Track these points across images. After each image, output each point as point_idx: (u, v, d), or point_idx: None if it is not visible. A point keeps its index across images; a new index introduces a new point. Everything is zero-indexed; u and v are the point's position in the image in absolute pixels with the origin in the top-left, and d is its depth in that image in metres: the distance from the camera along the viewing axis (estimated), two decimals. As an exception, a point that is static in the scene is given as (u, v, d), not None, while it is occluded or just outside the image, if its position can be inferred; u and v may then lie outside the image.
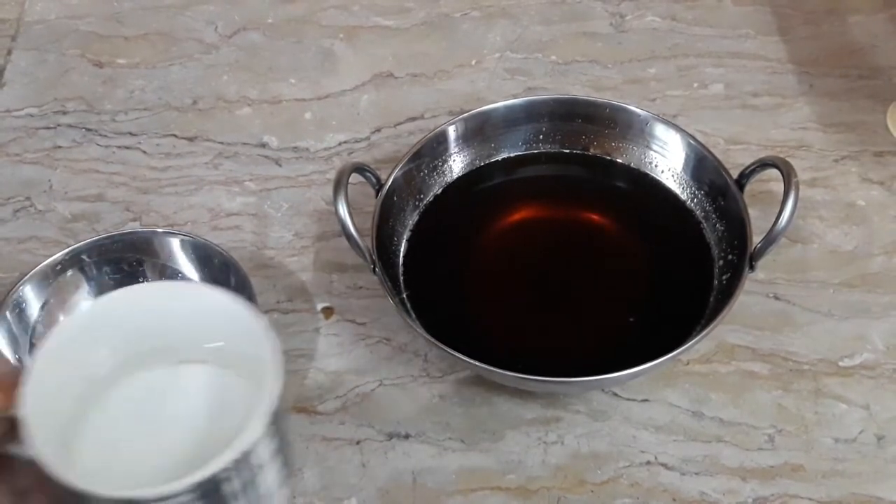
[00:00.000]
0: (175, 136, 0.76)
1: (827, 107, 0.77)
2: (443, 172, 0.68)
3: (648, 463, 0.58)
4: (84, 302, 0.38)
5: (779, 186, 0.59)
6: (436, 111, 0.77)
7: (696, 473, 0.57)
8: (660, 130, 0.67)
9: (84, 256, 0.62)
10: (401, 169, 0.64)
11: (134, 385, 0.42)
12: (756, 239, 0.60)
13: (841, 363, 0.62)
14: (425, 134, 0.67)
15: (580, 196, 0.69)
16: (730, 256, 0.62)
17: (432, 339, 0.56)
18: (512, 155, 0.70)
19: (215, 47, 0.83)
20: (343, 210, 0.58)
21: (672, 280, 0.63)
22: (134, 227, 0.70)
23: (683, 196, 0.67)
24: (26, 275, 0.61)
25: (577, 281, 0.64)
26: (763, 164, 0.62)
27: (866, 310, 0.64)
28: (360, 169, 0.62)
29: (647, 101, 0.77)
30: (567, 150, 0.70)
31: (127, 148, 0.75)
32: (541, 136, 0.70)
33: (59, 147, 0.75)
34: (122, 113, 0.78)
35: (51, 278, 0.62)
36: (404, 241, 0.65)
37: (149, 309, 0.41)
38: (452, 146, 0.68)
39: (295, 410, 0.60)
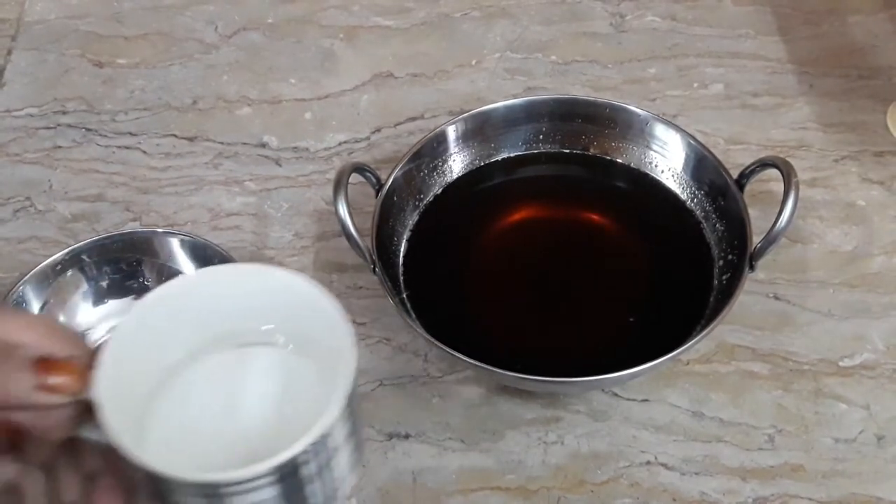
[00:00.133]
0: (175, 136, 0.76)
1: (827, 107, 0.77)
2: (443, 172, 0.68)
3: (648, 463, 0.58)
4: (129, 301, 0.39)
5: (779, 186, 0.59)
6: (436, 111, 0.77)
7: (696, 473, 0.57)
8: (660, 130, 0.67)
9: (84, 256, 0.62)
10: (401, 169, 0.64)
11: (204, 368, 0.42)
12: (756, 239, 0.60)
13: (841, 363, 0.62)
14: (425, 134, 0.67)
15: (580, 196, 0.69)
16: (730, 256, 0.62)
17: (432, 339, 0.56)
18: (512, 155, 0.70)
19: (215, 47, 0.83)
20: (343, 210, 0.58)
21: (672, 280, 0.63)
22: (134, 227, 0.70)
23: (683, 196, 0.67)
24: (26, 275, 0.61)
25: (577, 281, 0.64)
26: (763, 164, 0.62)
27: (866, 310, 0.64)
28: (360, 169, 0.62)
29: (647, 101, 0.77)
30: (567, 150, 0.70)
31: (127, 148, 0.75)
32: (541, 136, 0.70)
33: (59, 147, 0.75)
34: (122, 113, 0.78)
35: (51, 278, 0.62)
36: (404, 241, 0.65)
37: (218, 291, 0.41)
38: (452, 146, 0.68)
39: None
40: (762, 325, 0.64)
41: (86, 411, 0.37)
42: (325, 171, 0.73)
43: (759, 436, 0.59)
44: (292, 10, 0.86)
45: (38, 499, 0.40)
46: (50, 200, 0.72)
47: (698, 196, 0.66)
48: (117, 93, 0.79)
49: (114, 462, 0.39)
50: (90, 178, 0.73)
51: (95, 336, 0.62)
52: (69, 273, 0.62)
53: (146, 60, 0.82)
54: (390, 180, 0.63)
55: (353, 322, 0.64)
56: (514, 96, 0.71)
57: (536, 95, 0.73)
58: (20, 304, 0.60)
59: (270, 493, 0.36)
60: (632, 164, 0.69)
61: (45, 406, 0.35)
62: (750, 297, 0.64)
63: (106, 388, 0.36)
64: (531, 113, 0.69)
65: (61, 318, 0.61)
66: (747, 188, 0.63)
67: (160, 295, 0.40)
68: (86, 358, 0.37)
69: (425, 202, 0.67)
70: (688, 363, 0.62)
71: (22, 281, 0.61)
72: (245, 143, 0.75)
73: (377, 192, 0.63)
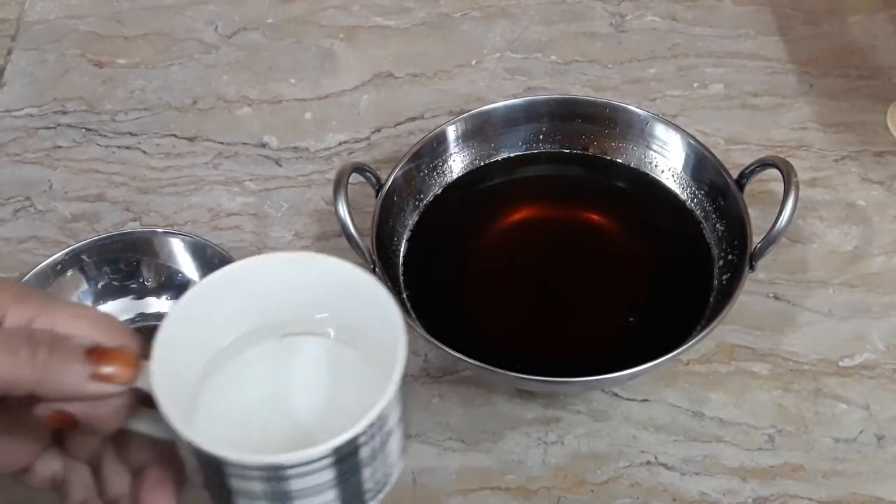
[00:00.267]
0: (175, 136, 0.76)
1: (827, 107, 0.77)
2: (443, 172, 0.68)
3: (648, 463, 0.58)
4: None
5: (779, 186, 0.59)
6: (436, 111, 0.77)
7: (696, 473, 0.57)
8: (660, 130, 0.67)
9: (84, 256, 0.62)
10: (401, 169, 0.64)
11: (252, 356, 0.42)
12: (756, 239, 0.60)
13: (841, 363, 0.62)
14: (425, 134, 0.67)
15: (580, 196, 0.69)
16: (730, 256, 0.62)
17: (432, 339, 0.56)
18: (512, 155, 0.70)
19: (215, 47, 0.83)
20: (343, 210, 0.58)
21: (672, 280, 0.63)
22: (134, 227, 0.70)
23: (683, 196, 0.67)
24: (26, 275, 0.61)
25: (577, 281, 0.64)
26: (763, 164, 0.62)
27: (866, 310, 0.64)
28: (360, 169, 0.62)
29: (647, 101, 0.77)
30: (567, 150, 0.70)
31: (127, 148, 0.75)
32: (541, 136, 0.70)
33: (59, 147, 0.75)
34: (122, 113, 0.78)
35: (51, 278, 0.62)
36: (404, 241, 0.65)
37: (266, 280, 0.41)
38: (452, 146, 0.68)
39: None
40: (762, 325, 0.64)
41: (134, 402, 0.37)
42: (325, 171, 0.73)
43: (759, 436, 0.59)
44: (292, 10, 0.86)
45: (84, 493, 0.40)
46: (50, 200, 0.72)
47: (698, 196, 0.66)
48: (117, 93, 0.79)
49: (162, 453, 0.39)
50: (90, 178, 0.73)
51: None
52: (69, 273, 0.62)
53: (146, 60, 0.82)
54: (390, 180, 0.63)
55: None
56: (514, 96, 0.71)
57: (536, 95, 0.73)
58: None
59: (328, 475, 0.36)
60: (632, 164, 0.69)
61: (98, 396, 0.35)
62: (750, 297, 0.64)
63: (160, 377, 0.36)
64: (531, 113, 0.69)
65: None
66: (747, 188, 0.63)
67: (210, 281, 0.41)
68: (135, 347, 0.37)
69: (425, 202, 0.67)
70: (688, 363, 0.62)
71: (22, 281, 0.60)
72: (245, 143, 0.75)
73: (377, 192, 0.63)
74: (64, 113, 0.78)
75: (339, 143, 0.75)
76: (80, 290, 0.62)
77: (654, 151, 0.68)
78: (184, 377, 0.39)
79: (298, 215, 0.71)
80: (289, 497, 0.36)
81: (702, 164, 0.66)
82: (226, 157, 0.75)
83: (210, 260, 0.62)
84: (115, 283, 0.63)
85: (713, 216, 0.65)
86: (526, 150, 0.70)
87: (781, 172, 0.60)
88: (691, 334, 0.57)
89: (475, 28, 0.84)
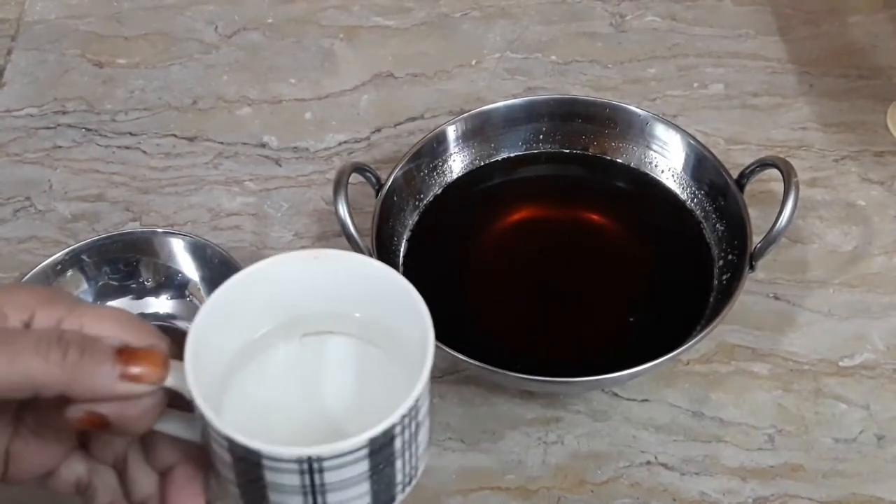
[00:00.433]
0: (175, 136, 0.76)
1: (827, 107, 0.77)
2: (443, 172, 0.68)
3: (648, 463, 0.58)
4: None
5: (779, 186, 0.59)
6: (436, 111, 0.77)
7: (696, 473, 0.57)
8: (660, 130, 0.67)
9: (84, 256, 0.62)
10: (401, 169, 0.64)
11: (277, 353, 0.43)
12: (756, 239, 0.60)
13: (841, 363, 0.62)
14: (425, 134, 0.67)
15: (580, 196, 0.69)
16: (730, 256, 0.62)
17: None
18: (512, 155, 0.70)
19: (215, 47, 0.83)
20: (343, 210, 0.58)
21: (672, 280, 0.63)
22: (134, 227, 0.70)
23: (683, 196, 0.67)
24: (26, 275, 0.61)
25: (577, 281, 0.64)
26: (763, 164, 0.62)
27: (866, 310, 0.64)
28: (360, 169, 0.62)
29: (647, 101, 0.77)
30: (567, 150, 0.70)
31: (127, 148, 0.75)
32: (541, 136, 0.70)
33: (59, 147, 0.75)
34: (122, 113, 0.78)
35: (51, 278, 0.61)
36: (404, 241, 0.65)
37: (291, 277, 0.42)
38: (452, 146, 0.68)
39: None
40: (762, 325, 0.64)
41: (164, 402, 0.37)
42: (325, 171, 0.73)
43: (759, 436, 0.59)
44: (292, 10, 0.86)
45: (110, 496, 0.40)
46: (50, 200, 0.72)
47: (698, 196, 0.66)
48: (117, 93, 0.79)
49: (188, 453, 0.39)
50: (90, 178, 0.73)
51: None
52: (69, 273, 0.62)
53: (146, 60, 0.82)
54: (390, 180, 0.63)
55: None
56: (514, 96, 0.71)
57: (536, 95, 0.73)
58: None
59: (363, 467, 0.36)
60: (632, 164, 0.69)
61: (128, 396, 0.35)
62: (750, 296, 0.64)
63: (192, 373, 0.36)
64: (531, 113, 0.69)
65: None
66: (747, 188, 0.63)
67: (237, 280, 0.41)
68: (163, 346, 0.37)
69: (425, 202, 0.67)
70: (688, 363, 0.62)
71: (22, 281, 0.60)
72: (245, 143, 0.75)
73: (377, 192, 0.63)
74: (64, 113, 0.78)
75: (339, 143, 0.75)
76: (80, 290, 0.62)
77: (654, 151, 0.68)
78: (211, 375, 0.39)
79: (298, 215, 0.71)
80: (323, 490, 0.36)
81: (702, 164, 0.66)
82: (226, 157, 0.75)
83: (210, 260, 0.62)
84: (114, 283, 0.63)
85: (713, 216, 0.65)
86: (526, 150, 0.70)
87: (781, 172, 0.60)
88: (691, 334, 0.57)
89: (475, 28, 0.84)
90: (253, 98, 0.79)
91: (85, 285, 0.63)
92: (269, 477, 0.36)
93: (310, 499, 0.37)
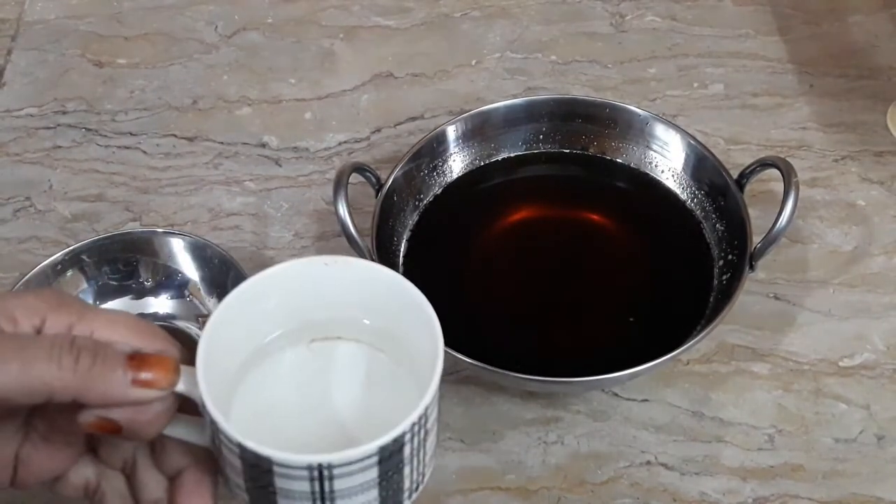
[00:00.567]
0: (175, 136, 0.76)
1: (827, 107, 0.77)
2: (443, 172, 0.68)
3: (648, 463, 0.58)
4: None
5: (779, 186, 0.59)
6: (436, 111, 0.77)
7: (696, 473, 0.57)
8: (660, 130, 0.67)
9: (84, 256, 0.62)
10: (401, 169, 0.64)
11: (285, 359, 0.43)
12: (756, 239, 0.60)
13: (841, 363, 0.62)
14: (425, 134, 0.67)
15: (580, 196, 0.69)
16: (730, 256, 0.62)
17: (432, 339, 0.56)
18: (512, 155, 0.70)
19: (215, 47, 0.83)
20: (343, 210, 0.58)
21: (672, 280, 0.63)
22: (134, 227, 0.70)
23: (683, 196, 0.67)
24: (26, 275, 0.61)
25: (577, 281, 0.64)
26: (763, 164, 0.62)
27: (866, 310, 0.64)
28: (360, 169, 0.62)
29: (647, 101, 0.77)
30: (567, 150, 0.70)
31: (127, 148, 0.75)
32: (541, 136, 0.70)
33: (59, 147, 0.75)
34: (122, 113, 0.78)
35: (51, 278, 0.62)
36: (404, 241, 0.65)
37: (301, 284, 0.42)
38: (452, 146, 0.68)
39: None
40: (762, 325, 0.64)
41: (174, 407, 0.37)
42: (325, 171, 0.73)
43: (759, 436, 0.59)
44: (292, 10, 0.86)
45: (119, 500, 0.40)
46: (50, 200, 0.72)
47: (698, 196, 0.66)
48: (117, 93, 0.79)
49: (197, 457, 0.39)
50: (90, 178, 0.73)
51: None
52: (69, 273, 0.62)
53: (146, 60, 0.82)
54: (390, 180, 0.63)
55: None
56: (514, 96, 0.71)
57: (536, 95, 0.73)
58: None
59: (372, 474, 0.37)
60: (632, 164, 0.69)
61: (140, 401, 0.36)
62: (750, 296, 0.64)
63: (204, 379, 0.37)
64: (531, 113, 0.69)
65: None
66: (747, 188, 0.63)
67: (247, 287, 0.41)
68: (174, 351, 0.37)
69: (425, 202, 0.67)
70: (688, 363, 0.62)
71: (22, 281, 0.60)
72: (245, 143, 0.75)
73: (377, 192, 0.63)
74: (64, 113, 0.78)
75: (339, 143, 0.75)
76: (80, 290, 0.62)
77: (654, 151, 0.68)
78: (221, 380, 0.39)
79: (298, 215, 0.71)
80: (332, 496, 0.37)
81: (702, 164, 0.66)
82: (226, 157, 0.75)
83: (210, 260, 0.62)
84: (114, 282, 0.63)
85: (713, 216, 0.65)
86: (526, 150, 0.70)
87: (781, 172, 0.60)
88: (691, 334, 0.57)
89: (475, 28, 0.84)
90: (253, 98, 0.79)
91: (85, 285, 0.63)
92: (280, 483, 0.36)
93: None
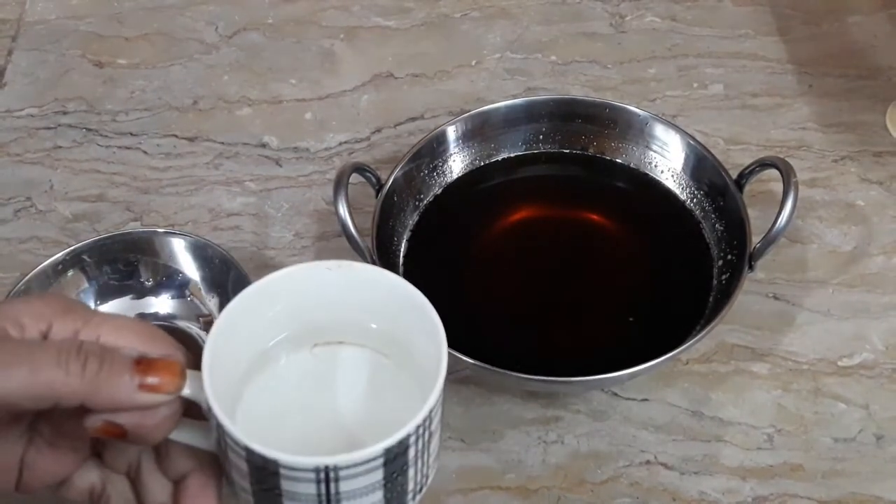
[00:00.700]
0: (175, 136, 0.76)
1: (827, 107, 0.77)
2: (443, 172, 0.68)
3: (648, 462, 0.58)
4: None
5: (778, 186, 0.59)
6: (436, 111, 0.77)
7: (696, 473, 0.57)
8: (659, 130, 0.67)
9: (85, 256, 0.62)
10: (401, 169, 0.64)
11: (289, 363, 0.43)
12: (755, 239, 0.60)
13: (840, 363, 0.62)
14: (425, 134, 0.67)
15: (580, 196, 0.69)
16: (729, 256, 0.62)
17: (432, 339, 0.56)
18: (512, 155, 0.70)
19: (215, 47, 0.83)
20: (343, 210, 0.58)
21: (671, 280, 0.64)
22: (134, 227, 0.70)
23: (683, 196, 0.67)
24: (27, 275, 0.61)
25: (577, 281, 0.64)
26: (763, 164, 0.62)
27: (866, 310, 0.65)
28: (360, 169, 0.62)
29: (647, 101, 0.77)
30: (567, 151, 0.70)
31: (127, 148, 0.75)
32: (541, 137, 0.70)
33: (60, 147, 0.76)
34: (123, 113, 0.78)
35: (51, 279, 0.62)
36: (404, 241, 0.65)
37: (315, 287, 0.42)
38: (452, 146, 0.68)
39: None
40: (761, 325, 0.64)
41: (181, 411, 0.38)
42: (326, 171, 0.73)
43: (758, 435, 0.59)
44: (292, 10, 0.86)
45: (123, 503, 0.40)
46: (50, 200, 0.72)
47: (698, 196, 0.66)
48: (118, 93, 0.79)
49: (202, 461, 0.39)
50: (91, 179, 0.73)
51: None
52: (70, 273, 0.62)
53: (146, 60, 0.82)
54: (390, 180, 0.63)
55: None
56: (514, 96, 0.72)
57: (536, 95, 0.73)
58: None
59: (377, 476, 0.37)
60: (632, 164, 0.69)
61: (147, 406, 0.36)
62: (749, 296, 0.64)
63: (210, 384, 0.37)
64: (531, 113, 0.69)
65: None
66: (747, 188, 0.63)
67: (253, 291, 0.41)
68: (180, 356, 0.37)
69: (425, 202, 0.67)
70: (687, 363, 0.62)
71: (23, 281, 0.61)
72: (245, 144, 0.76)
73: (377, 192, 0.63)
74: (64, 113, 0.78)
75: (340, 144, 0.76)
76: (80, 290, 0.62)
77: (654, 152, 0.68)
78: (225, 384, 0.39)
79: (299, 215, 0.71)
80: (338, 498, 0.37)
81: (701, 165, 0.66)
82: (226, 158, 0.75)
83: (210, 260, 0.62)
84: (115, 282, 0.63)
85: (713, 216, 0.65)
86: (526, 150, 0.70)
87: (781, 172, 0.60)
88: (691, 334, 0.57)
89: (475, 28, 0.84)
90: (253, 98, 0.79)
91: (86, 285, 0.63)
92: (286, 486, 0.37)
93: None
